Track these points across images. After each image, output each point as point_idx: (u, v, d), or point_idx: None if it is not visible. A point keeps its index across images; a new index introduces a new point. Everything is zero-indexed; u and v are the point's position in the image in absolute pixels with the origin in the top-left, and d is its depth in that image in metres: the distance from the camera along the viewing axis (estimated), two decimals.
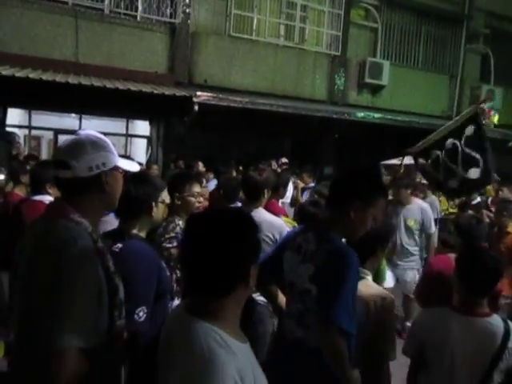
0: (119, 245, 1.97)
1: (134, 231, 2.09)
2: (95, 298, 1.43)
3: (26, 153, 7.61)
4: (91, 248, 1.46)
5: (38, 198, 3.22)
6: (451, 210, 7.73)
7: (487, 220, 5.65)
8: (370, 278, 2.31)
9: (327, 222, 2.08)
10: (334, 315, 1.82)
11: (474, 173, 3.90)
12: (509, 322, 2.15)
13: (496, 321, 2.13)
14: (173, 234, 2.66)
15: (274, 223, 3.25)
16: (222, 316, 1.26)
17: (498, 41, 12.22)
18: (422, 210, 5.22)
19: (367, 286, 2.23)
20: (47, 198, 3.12)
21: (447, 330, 2.12)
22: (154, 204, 2.14)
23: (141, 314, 1.86)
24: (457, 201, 7.60)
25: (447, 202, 7.92)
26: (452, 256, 3.06)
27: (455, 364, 2.11)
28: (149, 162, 8.46)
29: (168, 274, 2.25)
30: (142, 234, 2.14)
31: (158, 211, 2.21)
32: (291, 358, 2.06)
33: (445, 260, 3.14)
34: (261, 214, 3.21)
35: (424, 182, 7.41)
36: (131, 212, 2.07)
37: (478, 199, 7.35)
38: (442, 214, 7.58)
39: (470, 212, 4.76)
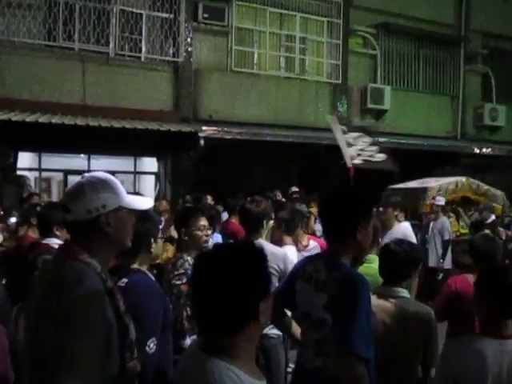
0: (125, 279, 2.01)
1: (135, 266, 2.13)
2: (102, 342, 1.40)
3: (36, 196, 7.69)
4: (99, 289, 1.45)
5: (45, 241, 3.15)
6: (462, 231, 7.62)
7: (504, 237, 5.56)
8: (409, 295, 2.48)
9: (335, 249, 2.08)
10: (351, 343, 1.82)
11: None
12: None
13: None
14: (182, 271, 2.62)
15: (278, 254, 3.21)
16: (237, 353, 1.23)
17: (497, 60, 12.38)
18: (406, 236, 4.44)
19: (413, 304, 2.45)
20: (54, 241, 3.05)
21: (482, 356, 2.00)
22: (152, 240, 2.18)
23: (151, 345, 1.89)
24: (468, 221, 7.53)
25: (458, 223, 7.82)
26: (469, 276, 3.01)
27: None
28: (158, 198, 8.52)
29: (170, 306, 2.28)
30: (144, 269, 2.18)
31: (157, 247, 2.25)
32: None
33: (462, 280, 3.09)
34: (263, 246, 3.17)
35: (439, 203, 7.37)
36: (131, 248, 2.04)
37: (493, 217, 7.27)
38: (453, 235, 7.45)
39: (487, 231, 4.64)
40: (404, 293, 2.45)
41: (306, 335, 2.11)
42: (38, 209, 3.82)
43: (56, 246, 2.76)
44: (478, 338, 2.08)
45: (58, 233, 3.13)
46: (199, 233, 2.79)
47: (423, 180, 8.33)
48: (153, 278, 2.17)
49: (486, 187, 8.30)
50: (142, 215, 2.11)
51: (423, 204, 7.75)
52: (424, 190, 7.80)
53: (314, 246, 4.06)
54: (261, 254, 1.30)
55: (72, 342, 1.36)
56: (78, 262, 1.49)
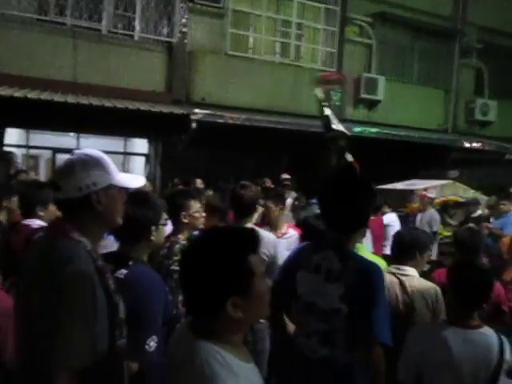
0: (123, 271, 1.88)
1: (135, 255, 2.00)
2: (92, 318, 1.42)
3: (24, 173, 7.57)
4: (89, 267, 1.46)
5: (27, 222, 2.99)
6: (445, 233, 7.66)
7: (486, 232, 5.66)
8: (416, 274, 2.65)
9: (342, 239, 2.07)
10: (377, 332, 1.89)
11: None
12: (499, 333, 2.14)
13: (489, 332, 2.12)
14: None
15: (268, 239, 3.21)
16: (224, 336, 1.24)
17: (491, 55, 12.40)
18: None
19: (419, 280, 2.62)
20: (36, 223, 2.92)
21: (446, 344, 2.06)
22: (153, 228, 2.04)
23: (151, 343, 1.81)
24: (453, 222, 7.55)
25: (442, 226, 7.83)
26: None
27: (458, 380, 2.06)
28: (147, 180, 8.47)
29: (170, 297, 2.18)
30: (144, 258, 2.06)
31: (159, 234, 2.11)
32: (317, 376, 2.04)
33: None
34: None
35: (430, 195, 7.40)
36: (130, 236, 1.99)
37: (479, 212, 7.35)
38: (438, 238, 7.47)
39: (471, 225, 4.70)
40: (410, 271, 2.64)
41: (308, 325, 2.08)
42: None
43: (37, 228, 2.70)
44: (444, 327, 2.14)
45: (41, 213, 3.00)
46: (198, 215, 2.80)
47: (410, 182, 8.40)
48: (153, 270, 2.03)
49: (471, 191, 8.39)
50: (141, 199, 2.03)
51: (409, 205, 7.79)
52: (411, 191, 7.87)
53: (292, 234, 3.94)
54: (248, 245, 1.25)
55: (62, 320, 1.37)
56: (68, 240, 1.49)
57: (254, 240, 1.27)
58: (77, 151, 1.62)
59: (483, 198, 8.25)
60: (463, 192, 8.32)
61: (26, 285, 1.51)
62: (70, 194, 1.52)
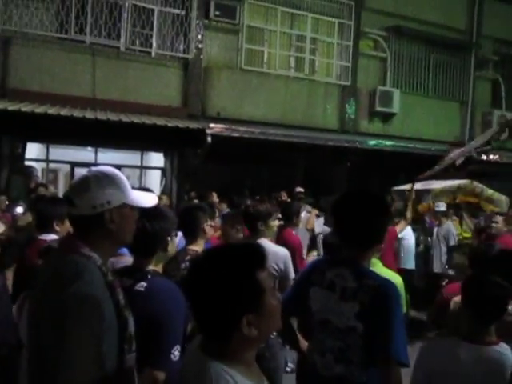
0: (143, 283, 1.91)
1: (151, 267, 2.04)
2: (100, 336, 1.41)
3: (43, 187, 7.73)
4: (98, 282, 1.46)
5: (43, 237, 3.01)
6: (465, 235, 7.58)
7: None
8: None
9: (358, 255, 2.04)
10: (393, 350, 1.84)
11: None
12: None
13: (504, 349, 2.07)
14: None
15: (279, 253, 3.23)
16: (237, 356, 1.22)
17: (508, 66, 12.31)
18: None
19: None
20: (52, 237, 2.94)
21: (457, 359, 2.03)
22: (169, 239, 2.11)
23: (176, 352, 1.82)
24: (471, 225, 7.48)
25: (460, 227, 7.77)
26: None
27: None
28: (164, 193, 8.56)
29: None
30: (159, 270, 2.10)
31: (172, 245, 2.18)
32: None
33: (455, 288, 3.10)
34: (263, 246, 3.17)
35: (440, 209, 7.34)
36: (148, 249, 2.03)
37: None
38: (457, 239, 7.41)
39: None
40: None
41: (323, 343, 2.05)
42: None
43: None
44: (455, 342, 2.09)
45: (57, 228, 3.02)
46: (210, 227, 2.97)
47: (427, 182, 8.30)
48: (171, 282, 2.06)
49: (490, 192, 8.22)
50: (153, 213, 2.03)
51: (421, 204, 7.68)
52: (427, 191, 7.77)
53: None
54: (254, 262, 1.23)
55: (69, 337, 1.38)
56: (78, 255, 1.50)
57: (260, 255, 1.25)
58: (92, 168, 1.63)
59: (502, 200, 8.07)
60: (482, 191, 8.14)
61: (37, 299, 1.53)
62: (84, 211, 1.53)
